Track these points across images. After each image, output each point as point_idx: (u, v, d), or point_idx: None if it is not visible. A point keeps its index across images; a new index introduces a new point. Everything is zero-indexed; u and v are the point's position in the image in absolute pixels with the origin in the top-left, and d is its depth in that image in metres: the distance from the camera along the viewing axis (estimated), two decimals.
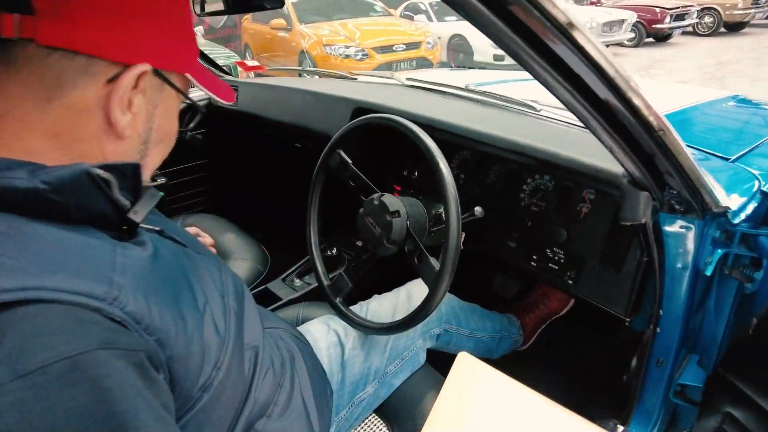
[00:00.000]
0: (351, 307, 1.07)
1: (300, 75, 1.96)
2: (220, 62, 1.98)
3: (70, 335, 0.39)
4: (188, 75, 0.59)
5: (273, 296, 1.44)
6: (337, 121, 1.37)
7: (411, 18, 8.14)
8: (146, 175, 0.60)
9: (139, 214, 0.52)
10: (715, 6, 9.74)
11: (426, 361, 1.12)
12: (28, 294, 0.38)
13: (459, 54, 8.02)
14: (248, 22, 8.20)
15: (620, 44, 9.26)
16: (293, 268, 1.55)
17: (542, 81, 0.62)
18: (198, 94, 1.91)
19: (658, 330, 0.99)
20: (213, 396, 0.55)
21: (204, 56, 1.87)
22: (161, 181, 1.83)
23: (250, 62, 1.89)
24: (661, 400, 1.05)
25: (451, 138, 1.16)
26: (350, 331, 1.04)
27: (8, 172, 0.44)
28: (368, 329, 0.98)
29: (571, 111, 0.67)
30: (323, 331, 1.03)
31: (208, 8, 1.02)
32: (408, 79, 1.55)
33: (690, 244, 0.88)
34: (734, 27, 10.08)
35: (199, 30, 6.89)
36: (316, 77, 1.97)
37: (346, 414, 0.96)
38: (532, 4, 0.54)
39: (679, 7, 9.41)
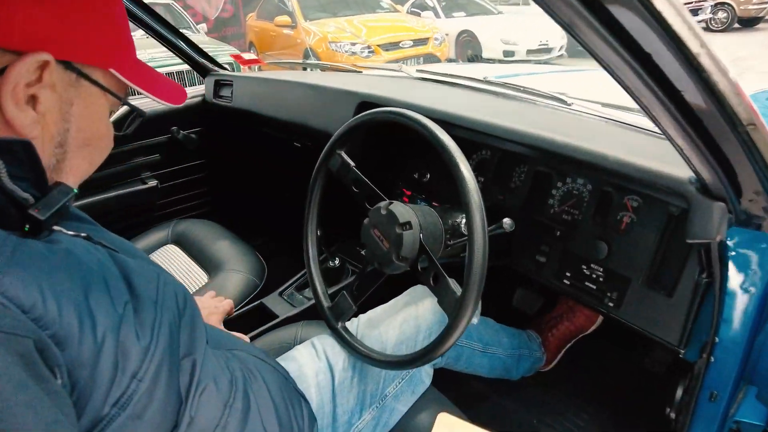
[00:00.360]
0: (348, 324, 0.93)
1: (304, 69, 1.81)
2: (222, 60, 1.84)
3: None
4: (114, 71, 0.54)
5: (268, 313, 1.29)
6: (340, 118, 1.22)
7: (418, 14, 8.00)
8: (73, 178, 0.55)
9: (43, 211, 0.47)
10: (728, 1, 9.49)
11: (433, 381, 0.97)
12: None
13: (467, 50, 7.86)
14: (253, 19, 8.10)
15: None
16: (291, 281, 1.41)
17: (602, 58, 0.47)
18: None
19: (712, 359, 0.84)
20: (133, 414, 0.48)
21: (194, 47, 1.73)
22: (152, 183, 1.69)
23: (246, 55, 1.75)
24: None
25: (469, 135, 1.01)
26: (339, 352, 0.90)
27: None
28: (376, 362, 0.84)
29: (636, 99, 0.52)
30: (310, 356, 0.89)
31: None
32: (419, 71, 1.40)
33: (762, 262, 0.73)
34: (749, 22, 9.82)
35: (202, 28, 6.78)
36: (318, 70, 1.82)
37: None
38: None
39: (692, 2, 9.17)
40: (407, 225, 0.81)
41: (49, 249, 0.46)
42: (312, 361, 0.87)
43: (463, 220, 0.92)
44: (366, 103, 1.15)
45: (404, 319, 0.93)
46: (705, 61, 0.46)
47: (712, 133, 0.54)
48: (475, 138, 1.01)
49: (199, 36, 6.25)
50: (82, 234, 0.55)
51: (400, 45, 6.32)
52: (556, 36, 7.84)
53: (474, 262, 0.69)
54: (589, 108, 1.06)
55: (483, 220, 0.70)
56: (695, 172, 0.60)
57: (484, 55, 7.64)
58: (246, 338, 1.02)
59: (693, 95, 0.50)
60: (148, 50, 4.48)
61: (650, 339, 0.88)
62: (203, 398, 0.58)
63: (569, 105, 1.07)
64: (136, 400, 0.48)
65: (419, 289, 1.01)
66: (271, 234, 2.00)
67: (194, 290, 1.34)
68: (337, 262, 1.40)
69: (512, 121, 0.95)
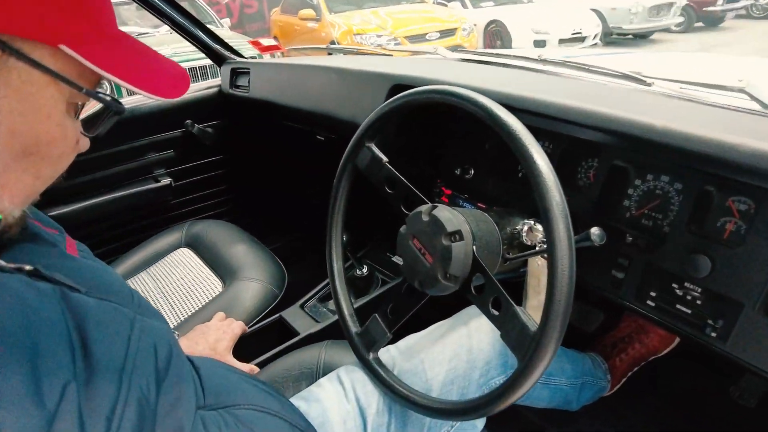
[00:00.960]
0: (382, 353, 0.76)
1: (329, 54, 1.65)
2: (246, 54, 1.70)
3: None
4: (67, 48, 0.38)
5: (288, 329, 1.14)
6: (369, 105, 1.05)
7: (445, 5, 7.77)
8: (5, 204, 0.41)
9: None
10: None
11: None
12: None
13: (496, 41, 7.59)
14: (277, 14, 8.02)
15: (667, 30, 8.61)
16: (314, 291, 1.25)
17: None
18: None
19: None
20: None
21: (210, 33, 1.59)
22: (165, 181, 1.55)
23: (265, 41, 1.60)
24: None
25: (528, 121, 0.82)
26: (372, 390, 0.73)
27: None
28: (421, 409, 0.67)
29: None
30: (336, 396, 0.73)
31: None
32: (458, 51, 1.21)
33: None
34: None
35: (225, 23, 6.70)
36: (342, 55, 1.65)
37: None
38: None
39: None
40: (457, 235, 0.64)
41: None
42: (339, 403, 0.71)
43: (525, 227, 0.74)
44: (400, 86, 0.97)
45: (454, 352, 0.76)
46: None
47: None
48: (534, 123, 0.83)
49: (223, 30, 6.17)
50: (27, 267, 0.40)
51: (427, 36, 6.14)
52: (590, 24, 7.51)
53: (557, 287, 0.52)
54: (673, 88, 0.87)
55: (569, 231, 0.53)
56: None
57: (514, 45, 7.37)
58: (255, 369, 0.86)
59: None
60: (172, 45, 4.42)
61: (738, 363, 0.69)
62: None
63: (648, 85, 0.88)
64: None
65: (470, 312, 0.83)
66: (292, 236, 1.86)
67: (208, 300, 1.20)
68: (365, 270, 1.24)
69: (582, 101, 0.76)
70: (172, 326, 1.14)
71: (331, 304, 1.24)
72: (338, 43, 6.15)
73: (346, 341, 0.96)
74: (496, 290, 0.61)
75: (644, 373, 1.18)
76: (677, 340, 1.14)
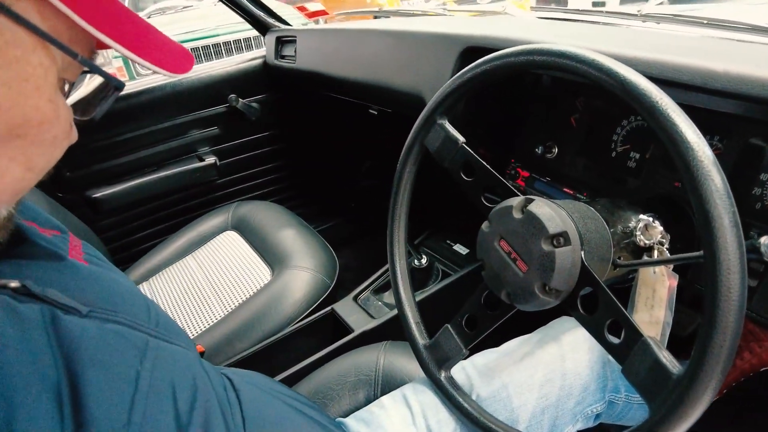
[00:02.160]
0: (455, 371, 0.65)
1: (375, 18, 1.50)
2: (293, 23, 1.57)
3: None
4: (56, 2, 0.29)
5: (341, 325, 1.04)
6: (434, 73, 0.90)
7: None
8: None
9: None
10: None
11: None
12: None
13: (550, 2, 7.13)
14: None
15: None
16: (368, 282, 1.14)
17: None
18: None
19: None
20: None
21: (257, 2, 1.47)
22: (210, 160, 1.46)
23: (312, 6, 1.46)
24: None
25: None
26: (447, 418, 0.62)
27: None
28: None
29: None
30: (402, 422, 0.62)
31: None
32: (534, 8, 1.04)
33: None
34: None
35: None
36: (395, 17, 1.50)
37: None
38: None
39: None
40: (562, 238, 0.50)
41: None
42: (404, 428, 0.60)
43: (640, 224, 0.59)
44: (474, 48, 0.82)
45: (546, 378, 0.63)
46: None
47: None
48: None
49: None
50: (12, 284, 0.30)
51: (477, 1, 5.80)
52: None
53: (720, 317, 0.38)
54: None
55: (739, 236, 0.38)
56: None
57: (570, 4, 6.89)
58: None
59: None
60: (215, 18, 4.35)
61: None
62: None
63: None
64: None
65: (562, 325, 0.70)
66: (340, 218, 1.75)
67: (256, 289, 1.12)
68: (423, 261, 1.12)
69: (725, 63, 0.59)
70: (219, 318, 1.06)
71: (387, 297, 1.13)
72: (381, 8, 5.94)
73: (407, 342, 0.85)
74: (614, 311, 0.47)
75: (749, 385, 1.01)
76: None
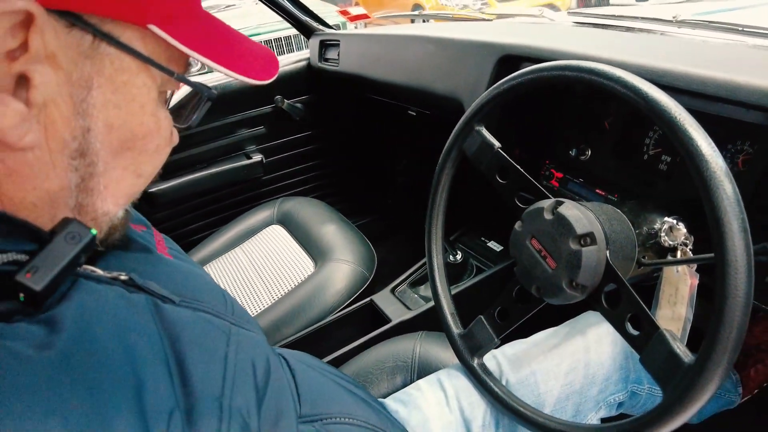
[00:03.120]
0: (487, 359, 0.70)
1: (412, 21, 1.54)
2: (330, 21, 1.64)
3: None
4: (156, 29, 0.34)
5: (380, 316, 1.10)
6: (472, 79, 0.95)
7: None
8: (110, 205, 0.38)
9: (39, 274, 0.31)
10: None
11: None
12: None
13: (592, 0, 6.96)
14: None
15: None
16: (405, 275, 1.20)
17: None
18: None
19: None
20: None
21: (302, 7, 1.55)
22: (257, 158, 1.56)
23: (354, 10, 1.52)
24: None
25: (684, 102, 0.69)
26: (478, 400, 0.67)
27: None
28: (533, 426, 0.60)
29: None
30: (438, 404, 0.67)
31: None
32: (571, 13, 1.07)
33: None
34: None
35: None
36: (432, 21, 1.54)
37: None
38: None
39: None
40: (588, 238, 0.55)
41: (29, 346, 0.28)
42: (441, 413, 0.66)
43: (665, 226, 0.63)
44: (511, 57, 0.86)
45: (570, 367, 0.68)
46: None
47: None
48: (693, 105, 0.70)
49: None
50: (122, 276, 0.38)
51: None
52: None
53: (727, 312, 0.42)
54: None
55: (747, 239, 0.42)
56: None
57: (612, 0, 6.70)
58: None
59: None
60: (258, 16, 4.48)
61: None
62: None
63: None
64: None
65: (587, 319, 0.74)
66: (378, 214, 1.82)
67: (301, 280, 1.20)
68: (458, 256, 1.17)
69: (748, 75, 0.62)
70: (266, 306, 1.15)
71: (423, 290, 1.19)
72: (423, 6, 5.94)
73: (441, 333, 0.91)
74: (635, 305, 0.52)
75: None
76: None
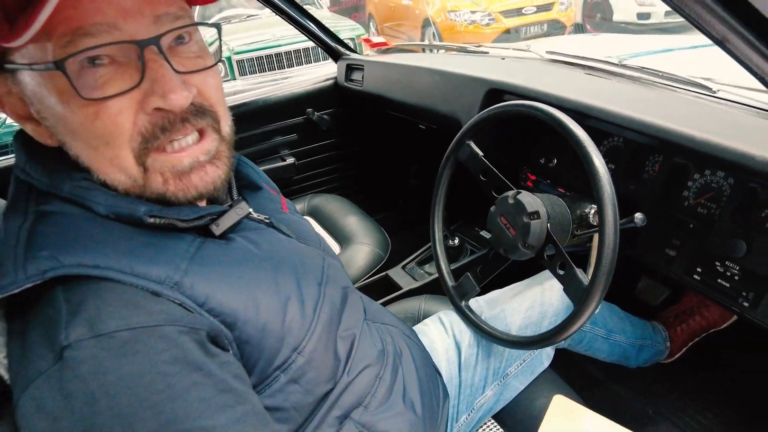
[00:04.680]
0: (471, 302, 1.00)
1: (423, 51, 1.86)
2: (344, 36, 1.95)
3: (136, 310, 0.45)
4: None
5: (393, 284, 1.41)
6: (467, 104, 1.27)
7: None
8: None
9: (219, 227, 0.57)
10: None
11: (552, 364, 1.02)
12: (102, 272, 0.45)
13: (596, 14, 7.25)
14: None
15: None
16: (413, 256, 1.51)
17: (726, 46, 0.48)
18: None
19: None
20: (292, 378, 0.57)
21: (323, 29, 1.85)
22: (290, 160, 1.89)
23: (375, 38, 1.84)
24: None
25: (602, 126, 1.00)
26: (465, 330, 0.97)
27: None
28: (499, 341, 0.90)
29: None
30: (439, 332, 0.98)
31: None
32: (548, 52, 1.38)
33: None
34: None
35: (324, 2, 7.04)
36: (442, 51, 1.86)
37: (466, 419, 0.91)
38: None
39: None
40: (535, 215, 0.85)
41: (224, 250, 0.57)
42: (441, 338, 0.96)
43: (592, 211, 0.94)
44: (495, 90, 1.18)
45: (530, 305, 0.99)
46: None
47: None
48: (608, 128, 1.01)
49: (322, 11, 6.51)
50: (265, 218, 0.68)
51: (523, 11, 6.01)
52: None
53: (604, 255, 0.72)
54: (739, 95, 0.99)
55: (615, 215, 0.73)
56: None
57: (615, 18, 6.97)
58: None
59: None
60: (278, 27, 4.80)
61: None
62: (359, 368, 0.67)
63: (715, 92, 1.01)
64: (295, 368, 0.58)
65: (544, 276, 1.05)
66: (394, 209, 2.13)
67: None
68: (456, 241, 1.48)
69: (648, 112, 0.93)
70: None
71: (428, 267, 1.50)
72: (432, 20, 6.26)
73: (441, 296, 1.21)
74: (562, 257, 0.82)
75: (702, 348, 1.32)
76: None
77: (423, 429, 0.75)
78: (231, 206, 0.60)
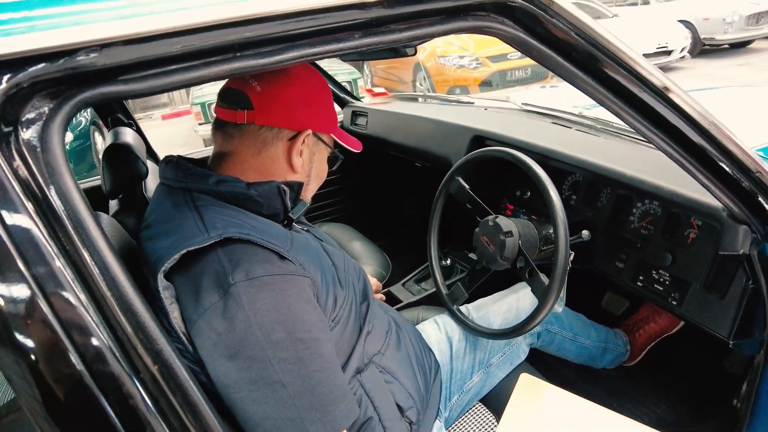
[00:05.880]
0: (460, 308, 1.24)
1: (417, 100, 2.16)
2: (341, 79, 2.24)
3: (272, 265, 0.68)
4: (332, 135, 0.90)
5: (395, 298, 1.65)
6: (456, 147, 1.54)
7: None
8: (307, 197, 0.90)
9: (294, 213, 0.83)
10: None
11: (530, 361, 1.25)
12: (247, 237, 0.68)
13: None
14: None
15: None
16: (412, 275, 1.75)
17: (638, 131, 0.75)
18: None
19: None
20: (340, 325, 0.82)
21: (332, 81, 2.14)
22: None
23: (376, 90, 2.13)
24: None
25: (563, 166, 1.27)
26: (455, 328, 1.21)
27: (236, 184, 0.77)
28: (483, 334, 1.14)
29: (669, 156, 0.77)
30: (434, 329, 1.21)
31: (345, 58, 1.27)
32: (524, 104, 1.67)
33: None
34: None
35: None
36: (435, 102, 2.16)
37: (457, 399, 1.13)
38: (633, 74, 0.68)
39: None
40: (509, 233, 1.11)
41: (300, 237, 0.82)
42: (435, 333, 1.19)
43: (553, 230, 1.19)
44: (478, 136, 1.46)
45: (507, 308, 1.23)
46: (714, 131, 0.72)
47: (732, 178, 0.78)
48: (568, 168, 1.28)
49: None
50: (305, 229, 0.93)
51: (508, 56, 6.39)
52: (678, 37, 7.43)
53: (558, 261, 0.97)
54: None
55: (566, 231, 0.98)
56: (723, 204, 0.83)
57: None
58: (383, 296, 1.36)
59: (711, 153, 0.75)
60: None
61: (728, 342, 1.07)
62: (373, 326, 0.93)
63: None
64: (340, 320, 0.82)
65: (519, 287, 1.29)
66: (393, 236, 2.38)
67: None
68: (448, 261, 1.72)
69: (595, 154, 1.21)
70: None
71: (424, 284, 1.73)
72: (423, 65, 6.65)
73: (436, 306, 1.44)
74: (530, 266, 1.07)
75: (660, 352, 1.55)
76: (682, 322, 1.51)
77: (421, 383, 0.99)
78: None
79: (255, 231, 0.70)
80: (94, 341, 0.46)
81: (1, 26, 0.41)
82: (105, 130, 2.08)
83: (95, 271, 0.45)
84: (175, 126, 8.01)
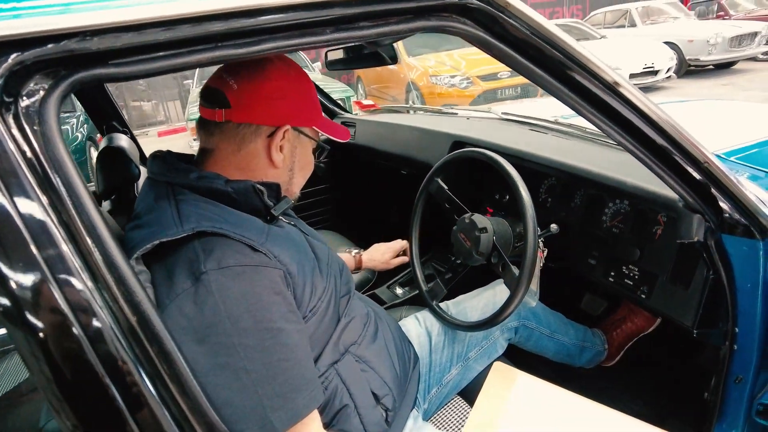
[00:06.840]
0: (441, 305, 1.28)
1: (408, 112, 2.23)
2: (335, 96, 2.31)
3: (244, 256, 0.72)
4: (314, 127, 0.90)
5: (380, 300, 1.69)
6: (438, 153, 1.60)
7: None
8: (294, 192, 0.93)
9: (276, 211, 0.85)
10: None
11: (507, 356, 1.29)
12: (220, 231, 0.71)
13: None
14: None
15: (754, 58, 8.49)
16: (396, 278, 1.80)
17: (594, 123, 0.81)
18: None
19: (735, 347, 1.06)
20: (318, 316, 0.85)
21: (322, 93, 2.21)
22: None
23: (365, 102, 2.21)
24: (744, 419, 1.10)
25: (538, 168, 1.34)
26: (435, 323, 1.25)
27: (215, 180, 0.79)
28: (460, 327, 1.18)
29: (624, 149, 0.83)
30: (414, 325, 1.25)
31: (330, 66, 1.34)
32: (504, 113, 1.75)
33: (755, 264, 0.97)
34: None
35: (317, 66, 7.61)
36: (420, 112, 2.23)
37: (436, 392, 1.17)
38: (585, 69, 0.74)
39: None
40: (484, 230, 1.16)
41: (279, 230, 0.85)
42: (415, 327, 1.24)
43: None
44: (459, 141, 1.52)
45: (485, 304, 1.28)
46: (665, 125, 0.78)
47: (683, 169, 0.84)
48: (544, 170, 1.34)
49: (315, 74, 7.05)
50: (292, 222, 0.97)
51: (498, 76, 6.51)
52: (664, 57, 7.62)
53: (527, 253, 1.03)
54: None
55: (534, 225, 1.04)
56: (678, 194, 0.89)
57: None
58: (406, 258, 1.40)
59: (663, 146, 0.81)
60: None
61: (701, 340, 1.11)
62: (352, 317, 0.96)
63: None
64: (318, 311, 0.85)
65: (496, 283, 1.34)
66: (379, 241, 2.42)
67: None
68: (429, 270, 1.77)
69: (570, 157, 1.27)
70: None
71: (408, 289, 1.78)
72: (415, 84, 6.77)
73: (418, 307, 1.49)
74: (504, 260, 1.12)
75: (637, 353, 1.60)
76: (659, 320, 1.56)
77: (399, 371, 1.02)
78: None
79: (228, 224, 0.73)
80: (79, 293, 0.51)
81: (9, 10, 0.47)
82: (101, 145, 2.16)
83: (83, 230, 0.50)
84: (172, 142, 8.09)
